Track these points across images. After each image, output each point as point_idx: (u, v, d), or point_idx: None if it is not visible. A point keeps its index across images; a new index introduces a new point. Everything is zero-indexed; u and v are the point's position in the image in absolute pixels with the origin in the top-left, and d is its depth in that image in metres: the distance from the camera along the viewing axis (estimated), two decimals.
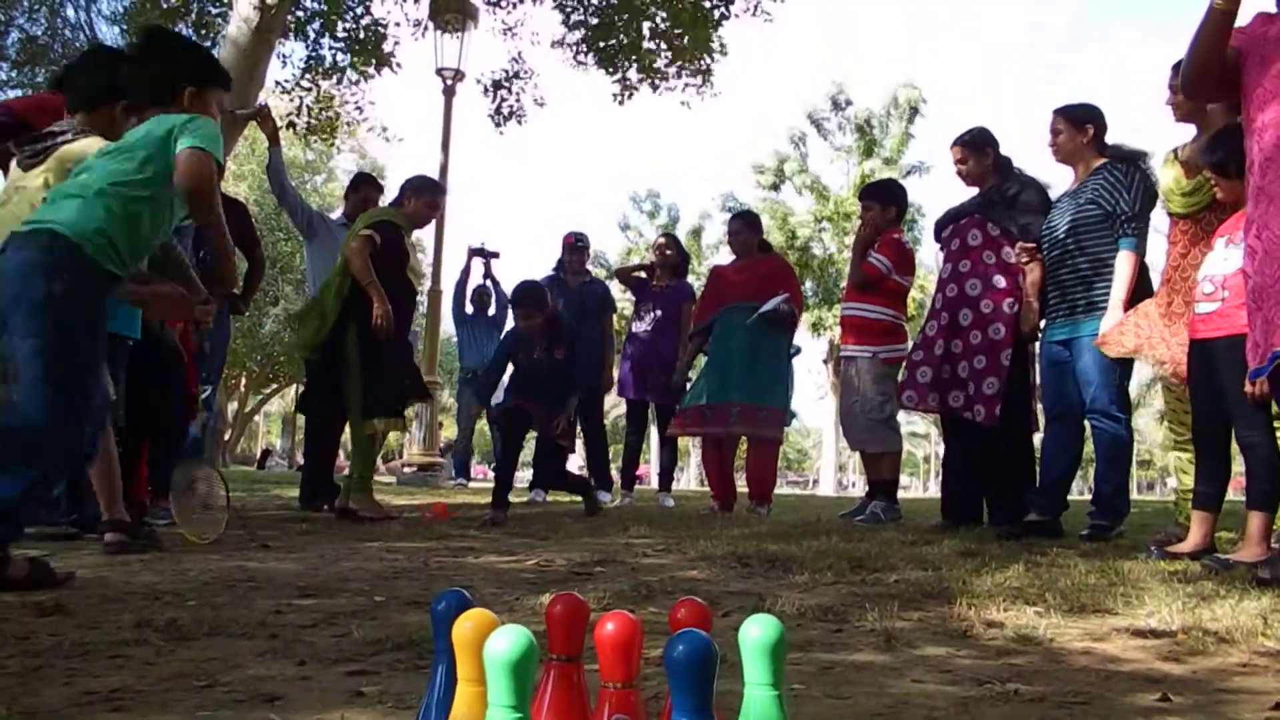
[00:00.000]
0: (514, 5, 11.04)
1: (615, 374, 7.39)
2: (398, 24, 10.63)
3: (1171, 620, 2.00)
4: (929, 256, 26.67)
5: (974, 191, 4.92)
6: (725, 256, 8.49)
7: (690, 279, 7.83)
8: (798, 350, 6.58)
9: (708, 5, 10.19)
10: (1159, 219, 4.28)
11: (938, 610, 2.16)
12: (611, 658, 0.85)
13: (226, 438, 26.45)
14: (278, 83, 10.59)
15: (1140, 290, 4.08)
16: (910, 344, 5.30)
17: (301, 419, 5.26)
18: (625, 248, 34.42)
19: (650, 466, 18.23)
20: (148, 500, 4.38)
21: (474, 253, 9.27)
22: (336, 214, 6.64)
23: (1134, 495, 4.87)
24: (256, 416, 40.85)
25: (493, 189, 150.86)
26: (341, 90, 10.66)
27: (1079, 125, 4.34)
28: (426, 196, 5.24)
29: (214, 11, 9.65)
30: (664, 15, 10.33)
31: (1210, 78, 2.83)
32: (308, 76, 10.36)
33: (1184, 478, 4.00)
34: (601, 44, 10.75)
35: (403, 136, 11.39)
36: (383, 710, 1.34)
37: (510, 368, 5.68)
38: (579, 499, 5.79)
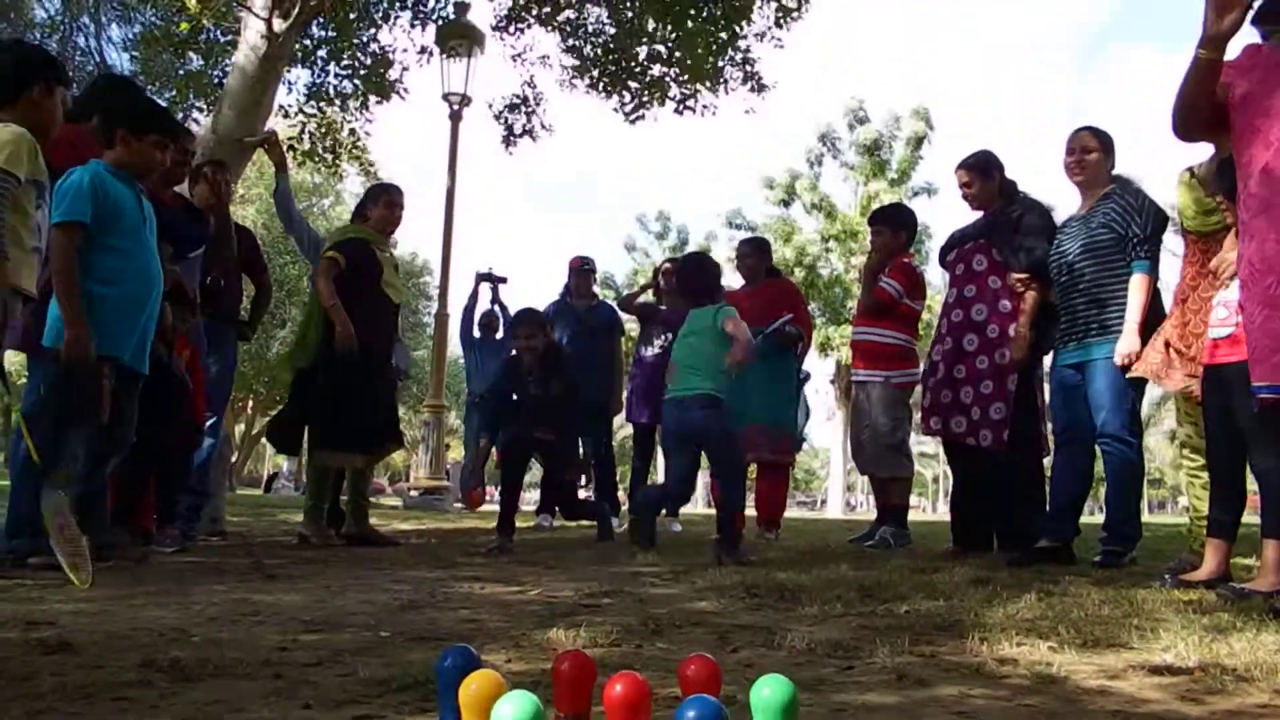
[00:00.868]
0: (521, 32, 11.09)
1: (623, 397, 7.37)
2: (404, 50, 10.71)
3: (1188, 656, 1.97)
4: (936, 278, 26.68)
5: (979, 215, 4.91)
6: (732, 279, 8.48)
7: None
8: (807, 376, 6.56)
9: (714, 30, 10.21)
10: (1170, 240, 4.27)
11: (950, 645, 2.14)
12: (620, 718, 0.83)
13: (233, 461, 26.45)
14: (280, 106, 10.63)
15: (1152, 312, 4.06)
16: (922, 368, 5.30)
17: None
18: (632, 269, 34.45)
19: None
20: (153, 529, 4.37)
21: (481, 278, 9.28)
22: None
23: (1145, 516, 4.83)
24: (263, 440, 40.87)
25: (500, 213, 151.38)
26: (344, 117, 10.70)
27: (1109, 150, 4.33)
28: (384, 199, 5.29)
29: (222, 40, 9.71)
30: (672, 41, 10.37)
31: (1199, 120, 2.87)
32: (311, 103, 10.40)
33: (1198, 504, 3.97)
34: (613, 68, 10.79)
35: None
36: None
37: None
38: (591, 523, 5.79)
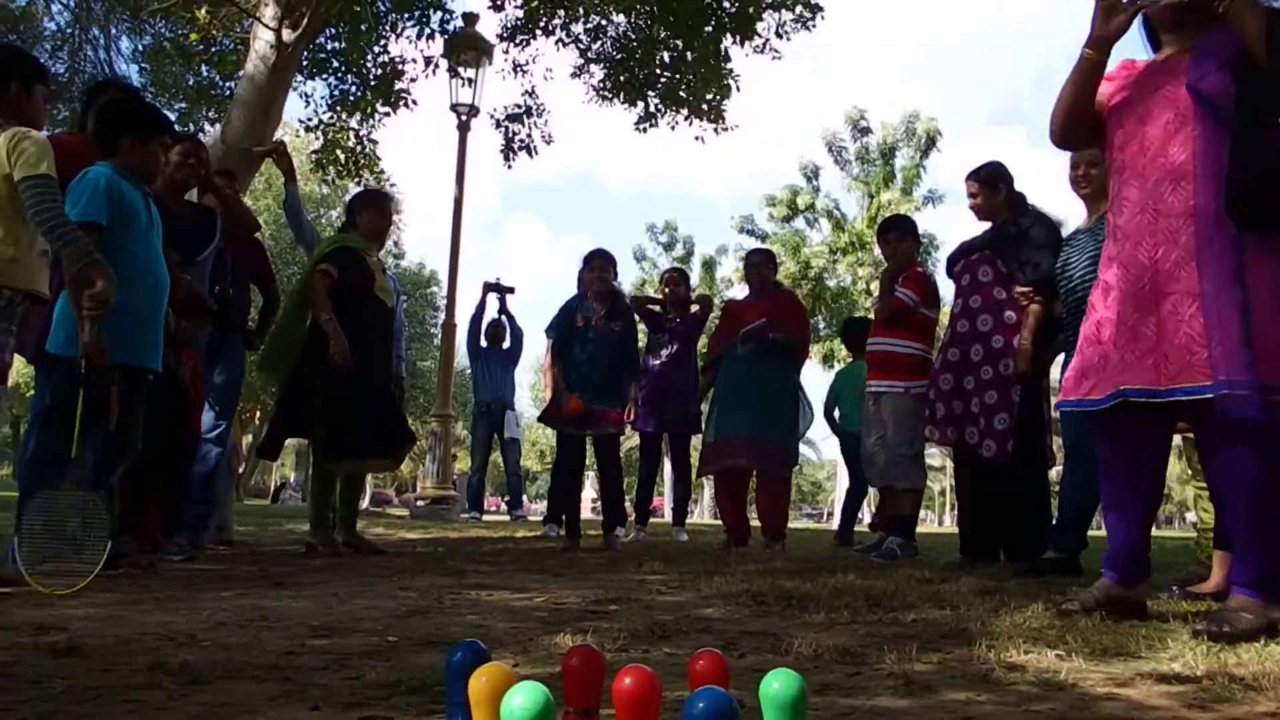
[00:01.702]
0: (526, 42, 11.12)
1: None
2: (414, 61, 10.73)
3: (1196, 665, 1.96)
4: (945, 288, 26.62)
5: (986, 226, 4.92)
6: (739, 289, 8.55)
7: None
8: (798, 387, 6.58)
9: (724, 40, 10.25)
10: None
11: (957, 652, 2.13)
12: (629, 713, 0.83)
13: (241, 471, 26.47)
14: (301, 121, 10.66)
15: None
16: None
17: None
18: (639, 278, 34.52)
19: (664, 499, 18.18)
20: (160, 537, 4.38)
21: (489, 288, 9.32)
22: None
23: (1153, 530, 4.82)
24: None
25: (508, 222, 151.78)
26: (361, 127, 10.75)
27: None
28: (374, 207, 5.33)
29: (231, 51, 9.75)
30: (680, 48, 10.40)
31: (1081, 125, 2.90)
32: (332, 114, 10.45)
33: (1205, 515, 3.96)
34: (625, 77, 10.83)
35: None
36: None
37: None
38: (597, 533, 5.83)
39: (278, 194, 24.19)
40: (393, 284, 5.55)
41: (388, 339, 5.27)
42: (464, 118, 11.22)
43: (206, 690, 1.67)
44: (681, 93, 10.78)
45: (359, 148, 10.68)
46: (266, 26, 7.68)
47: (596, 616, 2.69)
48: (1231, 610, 2.44)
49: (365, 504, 6.83)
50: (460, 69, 10.96)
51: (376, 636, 2.27)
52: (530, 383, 44.38)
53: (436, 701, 1.58)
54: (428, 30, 10.36)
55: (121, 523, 4.24)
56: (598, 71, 11.06)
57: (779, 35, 10.43)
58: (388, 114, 10.64)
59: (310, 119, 10.50)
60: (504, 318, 9.60)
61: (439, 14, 10.41)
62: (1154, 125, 2.66)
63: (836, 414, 7.91)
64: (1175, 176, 2.57)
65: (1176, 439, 3.48)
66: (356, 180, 11.13)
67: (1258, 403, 2.35)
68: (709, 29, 10.08)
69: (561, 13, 10.77)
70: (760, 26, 10.25)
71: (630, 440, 18.92)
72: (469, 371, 11.69)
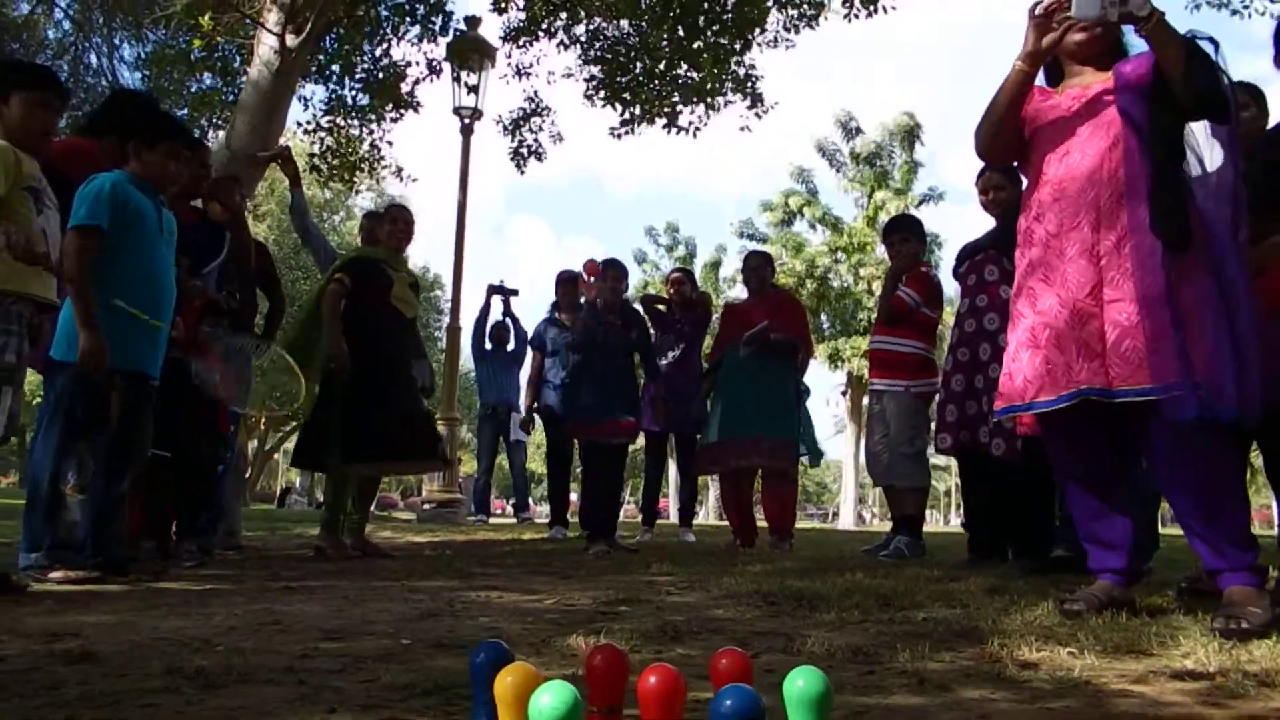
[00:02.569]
0: (529, 45, 11.13)
1: None
2: (417, 63, 10.74)
3: (1209, 662, 1.96)
4: (948, 286, 26.66)
5: (991, 225, 4.92)
6: (741, 290, 8.61)
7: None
8: (806, 391, 6.58)
9: (725, 42, 10.24)
10: None
11: (969, 650, 2.14)
12: (655, 711, 0.84)
13: (247, 476, 26.51)
14: (299, 123, 10.68)
15: None
16: (940, 378, 5.29)
17: None
18: (641, 281, 34.53)
19: (669, 500, 18.19)
20: (170, 543, 4.39)
21: (493, 290, 9.32)
22: None
23: (1161, 528, 4.82)
24: (276, 454, 40.95)
25: (512, 225, 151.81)
26: (361, 131, 10.76)
27: None
28: (388, 217, 5.51)
29: (236, 57, 9.77)
30: (681, 54, 10.39)
31: (1007, 140, 3.01)
32: (329, 118, 10.46)
33: None
34: (621, 79, 10.82)
35: (417, 176, 11.52)
36: None
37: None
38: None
39: (280, 198, 24.21)
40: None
41: (406, 346, 5.30)
42: (467, 121, 11.22)
43: (222, 694, 1.67)
44: (671, 101, 10.76)
45: (372, 150, 10.70)
46: (270, 32, 7.69)
47: (608, 618, 2.69)
48: (1239, 605, 2.46)
49: (371, 508, 6.85)
50: (463, 73, 10.97)
51: (390, 639, 2.27)
52: None
53: (453, 703, 1.59)
54: (431, 32, 10.37)
55: (144, 530, 4.27)
56: (596, 74, 11.05)
57: (787, 30, 10.43)
58: (396, 119, 10.66)
59: (310, 122, 10.52)
60: (508, 320, 9.60)
61: (440, 17, 10.41)
62: (1088, 144, 2.78)
63: None
64: (1113, 195, 2.69)
65: None
66: (356, 181, 11.13)
67: (1194, 403, 2.48)
68: (711, 31, 10.07)
69: (563, 15, 10.77)
70: (770, 23, 10.25)
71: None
72: (474, 374, 11.68)
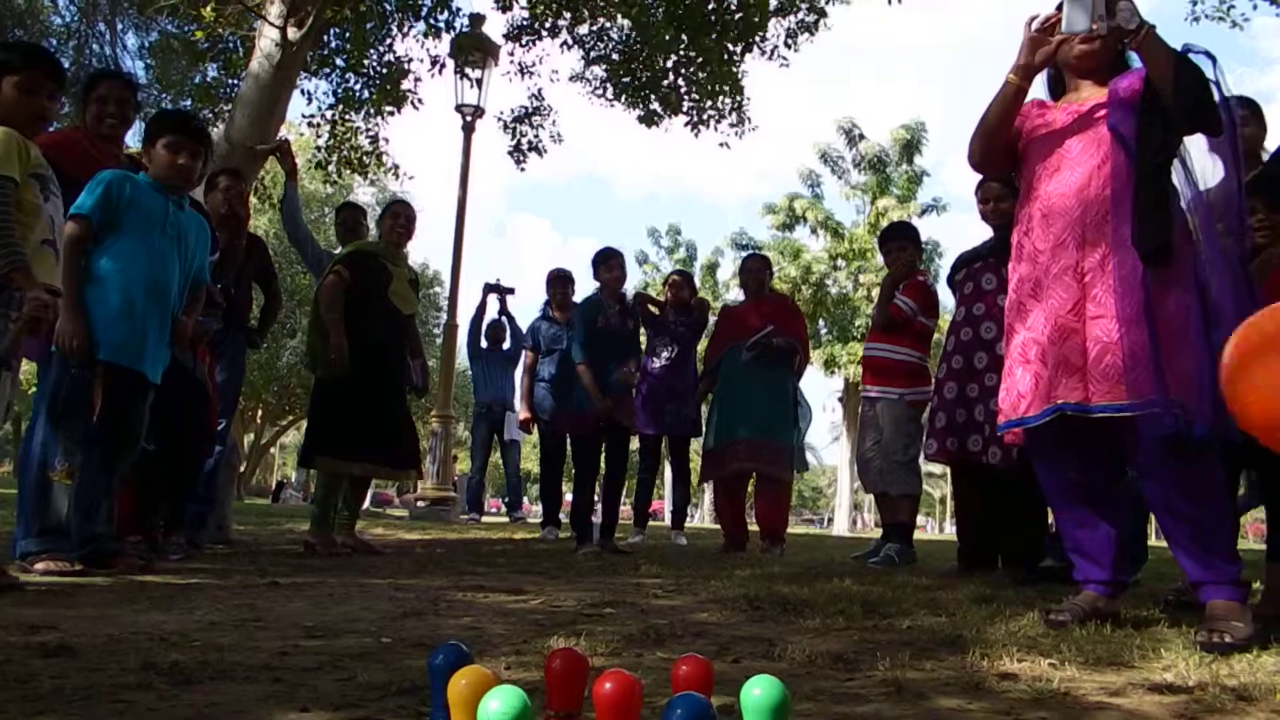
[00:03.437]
0: (532, 43, 11.13)
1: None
2: (420, 61, 10.73)
3: (1189, 675, 1.96)
4: (948, 296, 26.68)
5: (989, 235, 4.91)
6: (737, 294, 8.64)
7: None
8: (806, 406, 6.59)
9: (729, 47, 10.25)
10: None
11: (951, 660, 2.13)
12: (609, 717, 0.83)
13: (242, 470, 26.54)
14: (304, 117, 10.68)
15: None
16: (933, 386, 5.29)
17: None
18: (641, 282, 34.53)
19: (664, 502, 18.18)
20: (158, 535, 4.38)
21: (489, 289, 9.31)
22: None
23: (1149, 540, 4.82)
24: (272, 449, 40.96)
25: (514, 223, 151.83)
26: (364, 125, 10.76)
27: None
28: (388, 216, 5.53)
29: (237, 55, 9.76)
30: (686, 50, 10.40)
31: (1000, 152, 3.03)
32: (335, 110, 10.46)
33: None
34: (627, 78, 10.83)
35: (413, 175, 11.55)
36: None
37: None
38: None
39: (279, 194, 24.17)
40: None
41: (401, 342, 5.30)
42: (469, 118, 11.23)
43: (197, 690, 1.66)
44: (687, 97, 10.77)
45: (372, 145, 10.70)
46: (272, 25, 7.68)
47: (591, 619, 2.69)
48: (1221, 619, 2.46)
49: (365, 504, 6.84)
50: (466, 70, 10.97)
51: (370, 638, 2.27)
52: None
53: (426, 704, 1.58)
54: (435, 29, 10.36)
55: (131, 523, 4.25)
56: (600, 73, 11.05)
57: (788, 44, 10.43)
58: (393, 113, 10.65)
59: (314, 116, 10.52)
60: (504, 319, 9.59)
61: (445, 14, 10.41)
62: (1078, 160, 2.80)
63: None
64: (1100, 211, 2.71)
65: None
66: (363, 176, 11.13)
67: (1170, 420, 2.50)
68: (714, 35, 10.07)
69: (567, 15, 10.77)
70: (769, 33, 10.26)
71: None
72: (469, 372, 11.68)
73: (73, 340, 3.48)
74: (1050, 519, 4.59)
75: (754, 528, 6.61)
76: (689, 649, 2.19)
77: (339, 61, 10.20)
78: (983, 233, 5.00)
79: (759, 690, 0.83)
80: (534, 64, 11.25)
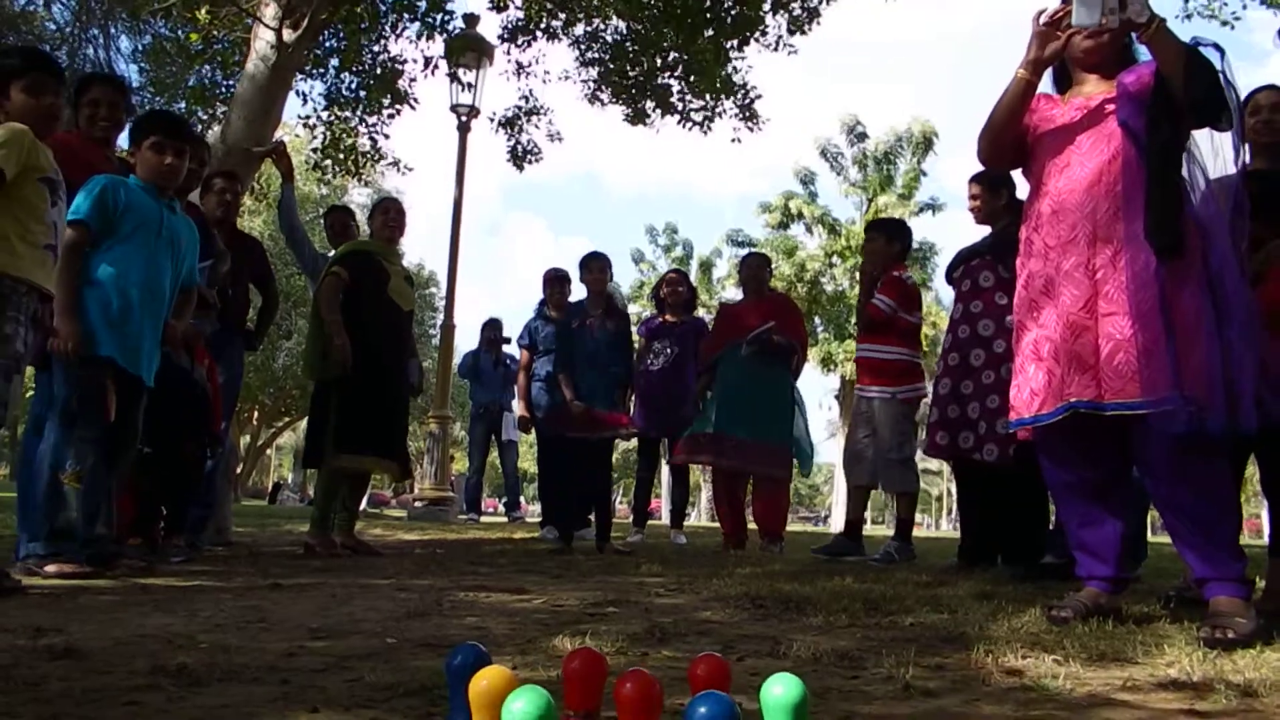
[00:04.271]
0: (528, 44, 11.12)
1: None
2: (415, 61, 10.72)
3: (1193, 671, 1.97)
4: (945, 294, 26.80)
5: (985, 232, 4.93)
6: (735, 292, 8.67)
7: (700, 313, 7.91)
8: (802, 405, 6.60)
9: (724, 43, 10.25)
10: None
11: (955, 657, 2.14)
12: (631, 717, 0.84)
13: (239, 471, 26.50)
14: (300, 119, 10.65)
15: None
16: (929, 384, 5.31)
17: None
18: (637, 280, 34.54)
19: (661, 501, 18.21)
20: (159, 539, 4.38)
21: (486, 332, 9.55)
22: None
23: (1150, 536, 4.84)
24: (269, 450, 40.91)
25: (508, 223, 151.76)
26: (360, 125, 10.75)
27: None
28: (379, 213, 5.57)
29: (234, 58, 9.75)
30: (680, 50, 10.40)
31: (1008, 145, 3.04)
32: (331, 110, 10.44)
33: None
34: (617, 79, 10.82)
35: (412, 167, 11.50)
36: None
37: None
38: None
39: (275, 196, 24.14)
40: None
41: (401, 340, 5.31)
42: (464, 119, 11.22)
43: (205, 692, 1.67)
44: (682, 98, 10.77)
45: (371, 144, 10.69)
46: (267, 26, 7.68)
47: (595, 619, 2.69)
48: (1225, 615, 2.47)
49: (363, 505, 6.84)
50: (460, 71, 10.96)
51: (375, 638, 2.27)
52: None
53: (436, 704, 1.58)
54: (430, 29, 10.36)
55: (135, 526, 4.25)
56: (595, 73, 11.05)
57: (790, 32, 10.44)
58: (392, 115, 10.64)
59: (310, 117, 10.52)
60: (503, 348, 9.84)
61: (440, 15, 10.40)
62: (1087, 156, 2.80)
63: None
64: (1111, 208, 2.70)
65: None
66: (359, 178, 11.12)
67: (1185, 417, 2.49)
68: (709, 32, 10.08)
69: (562, 15, 10.76)
70: (769, 26, 10.27)
71: (628, 444, 18.96)
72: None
73: (68, 343, 3.48)
74: (1050, 516, 4.62)
75: (753, 526, 6.62)
76: (694, 648, 2.20)
77: (334, 62, 10.19)
78: (979, 231, 5.02)
79: (779, 688, 0.83)
80: (530, 64, 11.26)
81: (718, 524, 7.42)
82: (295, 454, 42.70)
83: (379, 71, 10.36)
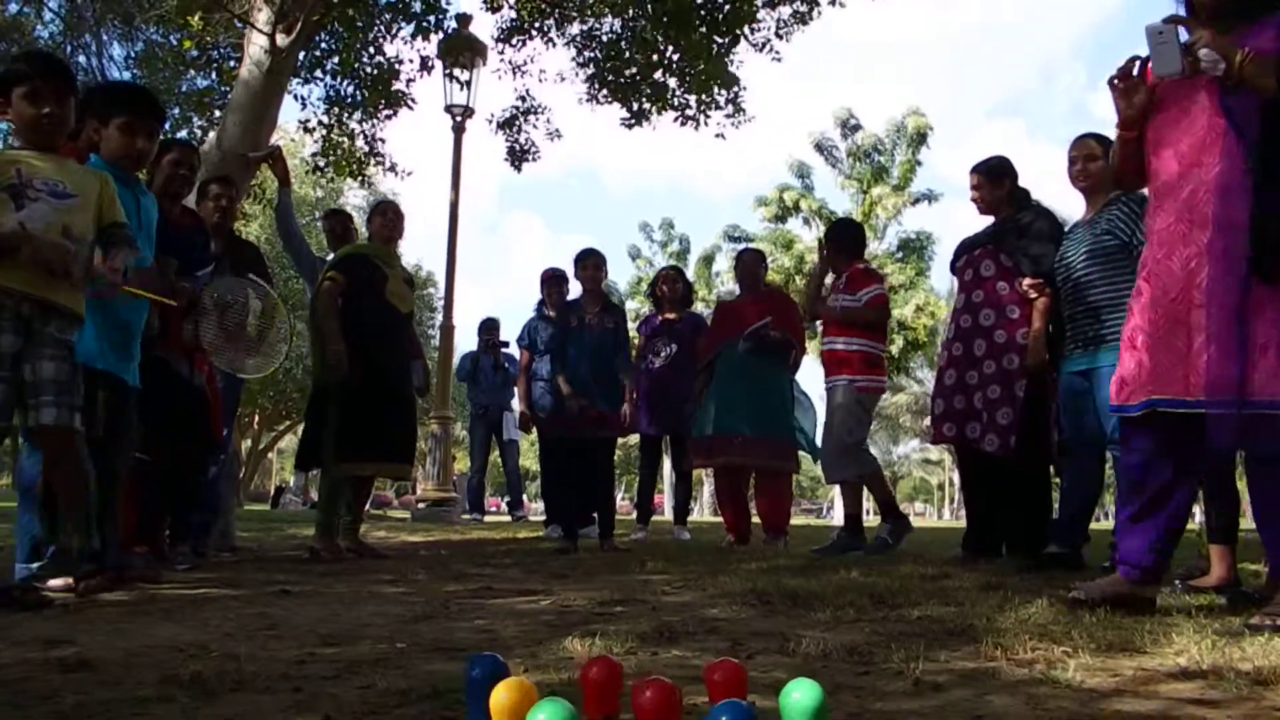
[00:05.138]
0: (522, 43, 11.10)
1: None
2: (410, 61, 10.70)
3: (1202, 660, 1.97)
4: (941, 284, 26.79)
5: (987, 222, 4.93)
6: (732, 286, 8.70)
7: (700, 308, 7.92)
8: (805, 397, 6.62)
9: (718, 40, 10.23)
10: None
11: (964, 649, 2.14)
12: None
13: (241, 476, 26.47)
14: (299, 122, 10.62)
15: None
16: (931, 376, 5.33)
17: None
18: (635, 276, 34.51)
19: (663, 498, 18.22)
20: (165, 547, 4.38)
21: (483, 335, 9.55)
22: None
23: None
24: (270, 454, 40.90)
25: (506, 221, 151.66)
26: (361, 129, 10.73)
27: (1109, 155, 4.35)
28: (376, 212, 5.61)
29: (230, 64, 9.73)
30: (675, 49, 10.38)
31: (1133, 175, 3.03)
32: (331, 112, 10.42)
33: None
34: (612, 78, 10.80)
35: (411, 170, 11.47)
36: None
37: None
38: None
39: (271, 200, 24.10)
40: None
41: (402, 342, 5.31)
42: (459, 119, 11.21)
43: (219, 702, 1.67)
44: (676, 94, 10.75)
45: (368, 147, 10.68)
46: (260, 32, 7.66)
47: (603, 619, 2.70)
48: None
49: (366, 506, 6.86)
50: (455, 71, 10.94)
51: (385, 643, 2.27)
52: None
53: (450, 709, 1.59)
54: (425, 30, 10.33)
55: (138, 535, 4.24)
56: (591, 73, 11.03)
57: (779, 35, 10.42)
58: (390, 115, 10.63)
59: (308, 120, 10.49)
60: (501, 352, 9.84)
61: (434, 16, 10.37)
62: (1189, 136, 2.74)
63: None
64: (1208, 190, 2.65)
65: None
66: (358, 180, 11.11)
67: (1234, 427, 2.49)
68: (702, 29, 10.06)
69: (555, 14, 10.74)
70: (761, 24, 10.25)
71: (629, 440, 18.95)
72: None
73: None
74: (1053, 506, 4.63)
75: (756, 520, 6.63)
76: (703, 646, 2.21)
77: (330, 65, 10.17)
78: (979, 221, 5.02)
79: (799, 694, 0.84)
80: (525, 63, 11.24)
81: (720, 519, 7.42)
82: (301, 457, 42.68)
83: (374, 74, 10.33)
